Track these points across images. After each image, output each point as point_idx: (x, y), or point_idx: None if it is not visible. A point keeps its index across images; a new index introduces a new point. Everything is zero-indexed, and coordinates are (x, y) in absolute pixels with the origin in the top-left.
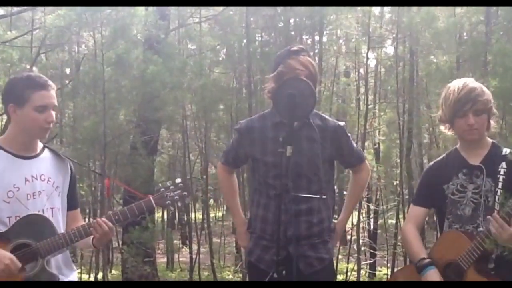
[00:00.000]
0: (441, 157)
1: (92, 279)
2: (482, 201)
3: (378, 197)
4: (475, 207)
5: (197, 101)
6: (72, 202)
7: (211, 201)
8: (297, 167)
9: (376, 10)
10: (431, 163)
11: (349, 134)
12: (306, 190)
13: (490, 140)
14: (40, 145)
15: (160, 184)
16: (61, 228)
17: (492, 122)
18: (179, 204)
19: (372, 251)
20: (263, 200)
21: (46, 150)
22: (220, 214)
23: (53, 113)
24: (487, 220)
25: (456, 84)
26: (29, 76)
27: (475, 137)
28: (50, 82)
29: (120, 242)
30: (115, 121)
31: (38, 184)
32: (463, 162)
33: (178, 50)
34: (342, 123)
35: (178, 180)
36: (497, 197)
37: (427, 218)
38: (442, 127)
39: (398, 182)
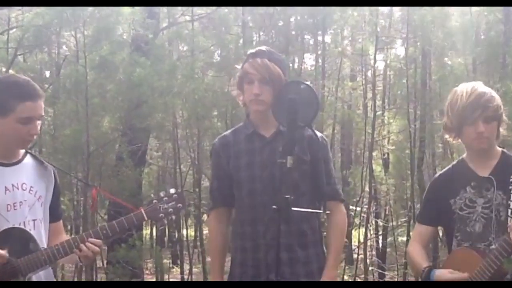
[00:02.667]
0: (447, 168)
1: None
2: (494, 216)
3: (387, 212)
4: (486, 223)
5: (188, 107)
6: (55, 214)
7: (205, 217)
8: (272, 181)
9: (384, 8)
10: (436, 175)
11: (330, 154)
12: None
13: (499, 149)
14: (22, 150)
15: (152, 195)
16: (43, 242)
17: (501, 130)
18: (173, 217)
19: (380, 271)
20: (239, 229)
21: (28, 156)
22: None
23: (39, 123)
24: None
25: (463, 89)
26: (17, 83)
27: (484, 146)
28: (38, 90)
29: (105, 262)
30: (99, 129)
31: (19, 194)
32: (471, 174)
33: (168, 52)
34: (321, 134)
35: (172, 191)
36: (509, 211)
37: (441, 235)
38: (446, 136)
39: (409, 195)
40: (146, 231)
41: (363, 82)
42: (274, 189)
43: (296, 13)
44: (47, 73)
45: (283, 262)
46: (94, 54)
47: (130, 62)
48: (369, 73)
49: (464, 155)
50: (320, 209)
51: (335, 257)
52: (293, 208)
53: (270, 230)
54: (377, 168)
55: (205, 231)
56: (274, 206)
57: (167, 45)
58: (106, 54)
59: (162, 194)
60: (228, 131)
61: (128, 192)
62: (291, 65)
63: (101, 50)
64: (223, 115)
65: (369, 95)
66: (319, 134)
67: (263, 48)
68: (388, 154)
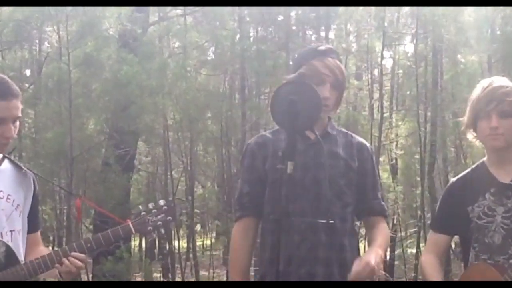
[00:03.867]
0: (466, 172)
1: None
2: None
3: (395, 222)
4: (505, 234)
5: (180, 108)
6: (33, 224)
7: (198, 227)
8: (316, 186)
9: None
10: (453, 179)
11: (376, 166)
12: (326, 216)
13: None
14: None
15: (140, 207)
16: (21, 254)
17: None
18: (162, 230)
19: None
20: (269, 239)
21: (6, 161)
22: (208, 242)
23: (15, 125)
24: None
25: (483, 82)
26: None
27: (498, 144)
28: (13, 89)
29: (90, 275)
30: (83, 132)
31: None
32: (491, 179)
33: (158, 48)
34: (369, 144)
35: (161, 202)
36: None
37: (453, 246)
38: (469, 135)
39: (418, 204)
40: (134, 243)
41: (369, 82)
42: (318, 195)
43: (297, 7)
44: (28, 72)
45: (318, 278)
46: (78, 51)
47: (117, 60)
48: (376, 72)
49: (485, 158)
50: (354, 224)
51: (380, 245)
52: (294, 218)
53: (307, 241)
54: (384, 174)
55: (198, 243)
56: (271, 216)
57: (157, 41)
58: (91, 50)
59: (151, 205)
60: (267, 131)
61: (115, 200)
62: (291, 63)
63: (86, 46)
64: (217, 117)
65: (376, 95)
66: (368, 144)
67: (331, 46)
68: (396, 159)
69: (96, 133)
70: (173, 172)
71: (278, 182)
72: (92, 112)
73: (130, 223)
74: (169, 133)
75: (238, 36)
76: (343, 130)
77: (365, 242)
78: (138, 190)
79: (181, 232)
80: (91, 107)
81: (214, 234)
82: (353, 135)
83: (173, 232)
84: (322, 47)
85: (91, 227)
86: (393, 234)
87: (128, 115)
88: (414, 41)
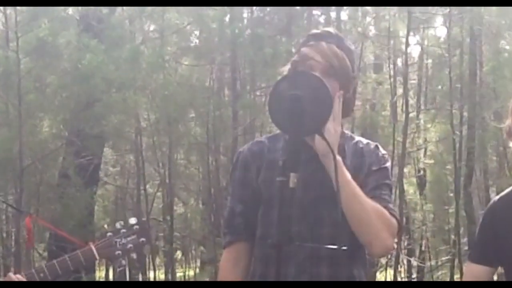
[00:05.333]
0: (511, 188)
1: None
2: None
3: (423, 248)
4: None
5: (157, 106)
6: None
7: (178, 254)
8: (322, 205)
9: None
10: (495, 198)
11: (387, 165)
12: (329, 243)
13: None
14: None
15: (106, 227)
16: None
17: None
18: (134, 255)
19: None
20: (259, 269)
21: None
22: (191, 272)
23: None
24: None
25: None
26: None
27: None
28: None
29: None
30: (36, 137)
31: None
32: None
33: (129, 33)
34: (375, 143)
35: (132, 221)
36: None
37: (495, 279)
38: (511, 144)
39: (452, 226)
40: (99, 274)
41: (391, 74)
42: (324, 216)
43: None
44: None
45: None
46: (30, 35)
47: (77, 46)
48: (400, 62)
49: None
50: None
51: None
52: (298, 243)
53: (306, 273)
54: (410, 189)
55: (179, 273)
56: (269, 240)
57: (127, 23)
58: (45, 35)
59: (118, 225)
60: (264, 136)
61: (76, 221)
62: (293, 50)
63: (39, 30)
64: (203, 117)
65: (399, 91)
66: (375, 143)
67: (331, 30)
68: (424, 170)
69: (51, 137)
70: (147, 186)
71: (277, 198)
72: (47, 111)
73: (92, 246)
74: (143, 138)
75: (228, 17)
76: (350, 135)
77: (385, 273)
78: (104, 208)
79: (157, 260)
80: (45, 105)
81: (198, 263)
82: (362, 140)
83: (147, 260)
84: (316, 31)
85: (45, 254)
86: (421, 263)
87: (91, 115)
88: (447, 23)
